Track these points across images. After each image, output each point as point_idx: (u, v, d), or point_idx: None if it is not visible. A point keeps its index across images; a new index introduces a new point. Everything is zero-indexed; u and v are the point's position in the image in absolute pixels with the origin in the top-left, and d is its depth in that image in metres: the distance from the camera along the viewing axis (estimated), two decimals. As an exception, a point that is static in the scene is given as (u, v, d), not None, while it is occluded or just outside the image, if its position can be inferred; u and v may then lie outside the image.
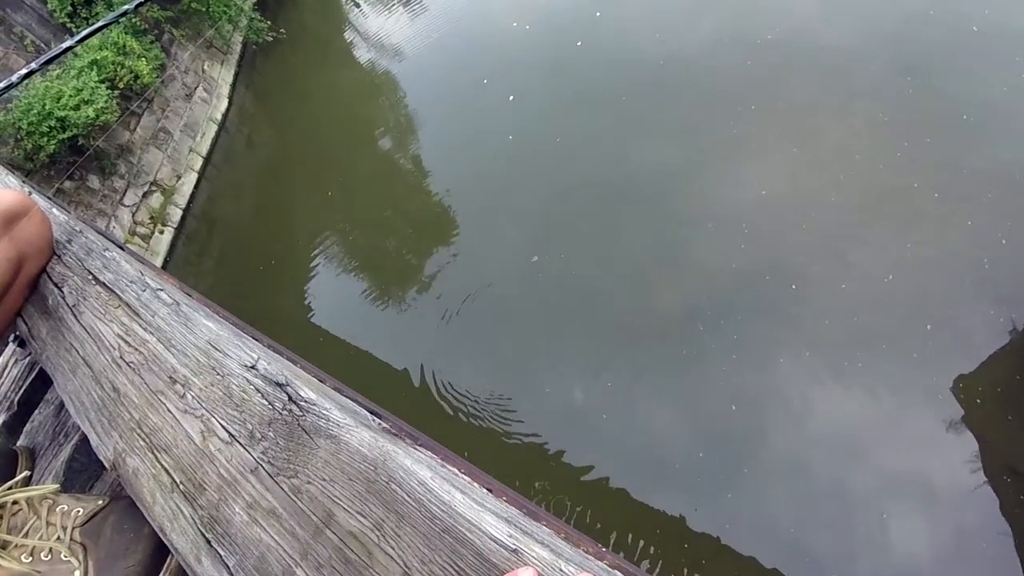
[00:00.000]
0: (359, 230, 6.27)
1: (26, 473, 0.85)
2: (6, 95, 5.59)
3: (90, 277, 0.96)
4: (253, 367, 0.67)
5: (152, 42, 6.94)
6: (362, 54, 8.30)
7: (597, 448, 4.02)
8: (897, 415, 3.86)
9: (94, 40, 6.13)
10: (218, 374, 0.69)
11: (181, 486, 0.64)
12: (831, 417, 3.94)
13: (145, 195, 6.60)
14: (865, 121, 5.03)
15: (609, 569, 0.50)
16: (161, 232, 6.61)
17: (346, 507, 0.51)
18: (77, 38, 0.93)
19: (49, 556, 0.76)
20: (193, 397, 0.69)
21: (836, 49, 5.51)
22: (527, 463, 4.07)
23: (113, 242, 1.16)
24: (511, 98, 6.28)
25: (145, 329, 0.81)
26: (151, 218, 6.55)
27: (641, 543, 3.66)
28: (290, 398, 0.61)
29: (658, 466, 3.97)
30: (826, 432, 3.89)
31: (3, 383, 1.33)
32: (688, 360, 4.27)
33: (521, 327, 4.77)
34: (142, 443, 0.71)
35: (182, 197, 6.95)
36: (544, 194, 5.41)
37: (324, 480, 0.54)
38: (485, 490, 0.55)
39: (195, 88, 7.60)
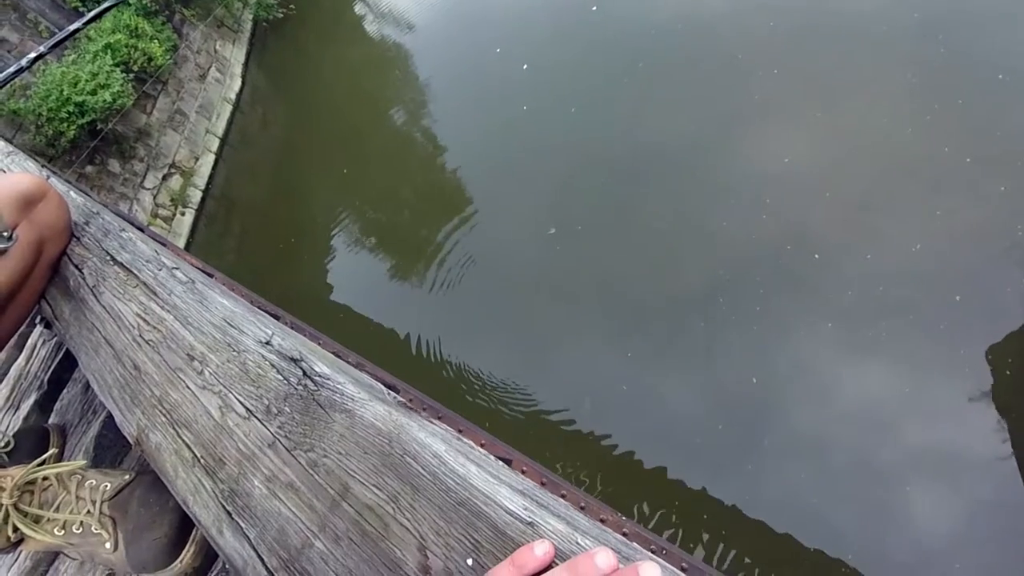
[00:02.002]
0: (375, 207, 6.27)
1: (54, 450, 0.88)
2: (24, 82, 5.66)
3: (108, 258, 0.97)
4: (268, 343, 0.67)
5: (163, 23, 6.93)
6: (373, 27, 8.19)
7: (616, 420, 4.03)
8: (922, 387, 3.79)
9: (107, 23, 6.14)
10: (234, 350, 0.69)
11: (202, 460, 0.65)
12: (854, 389, 3.88)
13: (165, 177, 6.67)
14: (893, 84, 4.83)
15: (627, 541, 0.49)
16: (182, 214, 6.70)
17: (362, 480, 0.51)
18: (84, 20, 0.92)
19: (80, 529, 0.78)
20: (211, 373, 0.70)
21: (863, 9, 5.27)
22: (545, 435, 4.11)
23: (130, 222, 1.17)
24: (525, 67, 6.16)
25: (162, 307, 0.82)
26: (172, 200, 6.64)
27: (660, 514, 3.69)
28: (305, 373, 0.61)
29: (678, 438, 3.97)
30: (849, 404, 3.84)
31: (32, 364, 1.37)
32: (709, 332, 4.23)
33: (539, 300, 4.76)
34: (163, 419, 0.72)
35: (201, 178, 7.01)
36: (560, 165, 5.33)
37: (340, 454, 0.54)
38: (501, 463, 0.54)
39: (208, 68, 7.60)
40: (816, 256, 4.27)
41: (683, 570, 0.60)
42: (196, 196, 6.88)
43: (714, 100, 5.20)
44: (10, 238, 0.83)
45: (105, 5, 1.03)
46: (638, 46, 5.76)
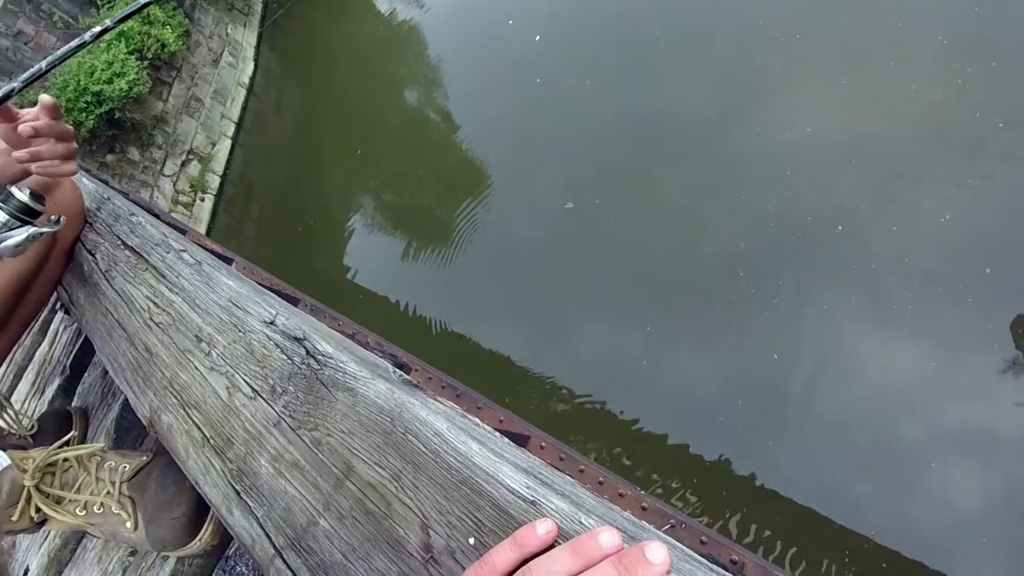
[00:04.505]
0: (390, 188, 6.26)
1: (73, 433, 0.89)
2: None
3: (119, 242, 0.97)
4: (272, 323, 0.66)
5: (175, 8, 6.92)
6: (383, 4, 8.08)
7: (635, 395, 4.02)
8: (949, 361, 3.69)
9: (119, 11, 6.15)
10: (240, 331, 0.69)
11: (211, 441, 0.65)
12: (878, 364, 3.81)
13: (183, 164, 6.74)
14: (922, 46, 4.61)
15: (636, 520, 0.48)
16: (202, 200, 6.77)
17: (365, 459, 0.51)
18: (119, 17, 0.91)
19: (101, 509, 0.80)
20: (218, 355, 0.70)
21: (891, -33, 5.02)
22: (564, 410, 4.12)
23: (140, 206, 1.18)
24: (537, 38, 6.03)
25: (171, 290, 0.82)
26: (191, 186, 6.71)
27: (679, 490, 3.69)
28: (308, 352, 0.61)
29: (698, 413, 3.95)
30: (873, 379, 3.77)
31: (55, 349, 1.40)
32: (728, 307, 4.17)
33: (558, 275, 4.73)
34: (174, 400, 0.72)
35: (219, 164, 7.07)
36: (576, 139, 5.24)
37: (343, 432, 0.53)
38: (505, 440, 0.53)
39: (221, 53, 7.60)
40: (840, 228, 4.15)
41: (702, 543, 0.59)
42: (215, 182, 6.95)
43: (734, 69, 5.04)
44: (58, 221, 0.84)
45: (141, 3, 1.02)
46: (654, 13, 5.59)
